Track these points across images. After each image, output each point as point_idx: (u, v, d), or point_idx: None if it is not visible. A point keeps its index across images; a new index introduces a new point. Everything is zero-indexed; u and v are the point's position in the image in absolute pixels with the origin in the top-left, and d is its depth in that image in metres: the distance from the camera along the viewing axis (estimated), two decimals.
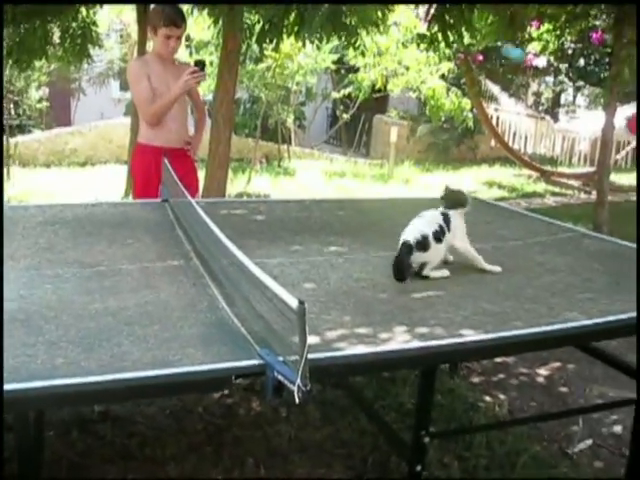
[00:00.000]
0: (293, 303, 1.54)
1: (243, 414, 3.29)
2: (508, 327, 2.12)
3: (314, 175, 11.33)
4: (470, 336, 2.03)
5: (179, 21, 3.96)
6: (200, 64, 3.97)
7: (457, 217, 2.69)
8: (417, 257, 2.53)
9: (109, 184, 9.44)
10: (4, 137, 11.97)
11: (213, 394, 3.35)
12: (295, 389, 1.54)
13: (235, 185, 9.53)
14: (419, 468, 2.34)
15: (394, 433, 2.76)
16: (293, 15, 5.29)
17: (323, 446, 3.05)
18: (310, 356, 1.56)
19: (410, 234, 2.55)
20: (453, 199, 2.74)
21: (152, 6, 4.89)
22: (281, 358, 1.67)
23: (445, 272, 2.62)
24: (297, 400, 1.55)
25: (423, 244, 2.53)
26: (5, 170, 11.30)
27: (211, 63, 10.82)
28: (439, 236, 2.58)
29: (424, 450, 2.33)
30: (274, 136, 13.11)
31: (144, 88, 3.99)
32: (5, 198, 9.27)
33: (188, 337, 1.89)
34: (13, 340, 1.82)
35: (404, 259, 2.50)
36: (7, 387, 1.54)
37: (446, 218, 2.64)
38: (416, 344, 1.95)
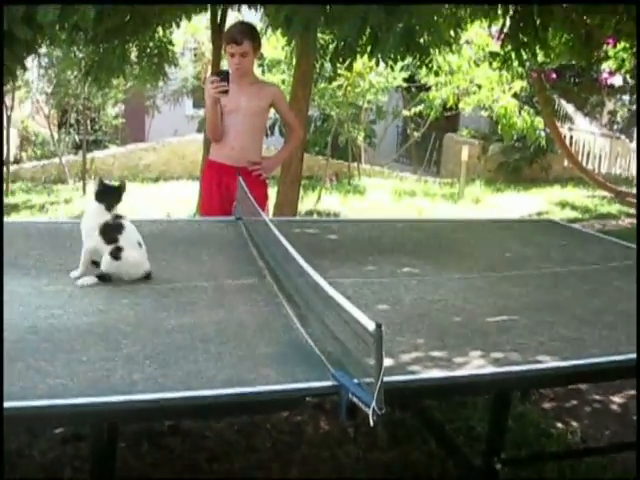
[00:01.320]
0: (370, 326, 1.54)
1: (311, 433, 3.28)
2: (585, 354, 2.07)
3: (384, 194, 11.31)
4: (546, 362, 1.99)
5: (239, 38, 3.98)
6: (222, 74, 3.95)
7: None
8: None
9: (181, 200, 9.61)
10: (81, 152, 12.33)
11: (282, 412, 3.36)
12: (370, 412, 1.54)
13: (305, 203, 9.58)
14: None
15: (464, 457, 2.72)
16: (367, 34, 5.30)
17: (391, 468, 3.01)
18: (385, 379, 1.55)
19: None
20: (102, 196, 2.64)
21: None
22: (356, 380, 1.66)
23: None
24: (372, 423, 1.54)
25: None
26: (81, 184, 11.63)
27: (283, 82, 10.95)
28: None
29: (496, 476, 2.29)
30: (344, 154, 13.15)
31: (209, 105, 4.07)
32: (79, 211, 9.53)
33: (263, 356, 1.90)
34: (92, 353, 1.87)
35: None
36: (88, 400, 1.58)
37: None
38: (491, 369, 1.92)
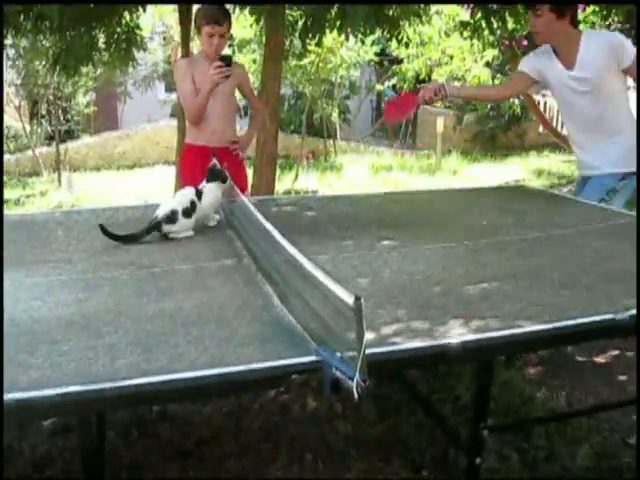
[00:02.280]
0: (349, 299, 1.54)
1: (299, 411, 3.30)
2: (565, 317, 2.08)
3: (361, 169, 11.31)
4: (527, 327, 2.00)
5: (221, 19, 3.97)
6: (225, 59, 3.93)
7: (212, 189, 3.11)
8: (166, 228, 2.90)
9: (158, 185, 9.55)
10: (54, 144, 12.20)
11: (268, 392, 3.37)
12: (354, 385, 1.54)
13: (283, 182, 9.56)
14: (478, 461, 2.32)
15: (452, 426, 2.74)
16: (335, 9, 5.28)
17: (380, 441, 3.04)
18: (367, 351, 1.55)
19: (161, 211, 2.90)
20: (214, 175, 3.16)
21: (196, 6, 4.93)
22: (338, 354, 1.66)
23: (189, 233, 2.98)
24: (356, 396, 1.54)
25: (172, 218, 2.89)
26: (56, 176, 11.52)
27: (254, 61, 10.89)
28: (189, 212, 2.95)
29: (483, 443, 2.31)
30: (319, 131, 13.11)
31: (187, 88, 4.04)
32: (55, 203, 9.46)
33: (244, 336, 1.90)
34: (74, 343, 1.85)
35: (141, 234, 2.89)
36: (71, 389, 1.57)
37: (199, 193, 3.04)
38: (473, 337, 1.93)
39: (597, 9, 8.45)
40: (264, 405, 3.31)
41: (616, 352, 3.95)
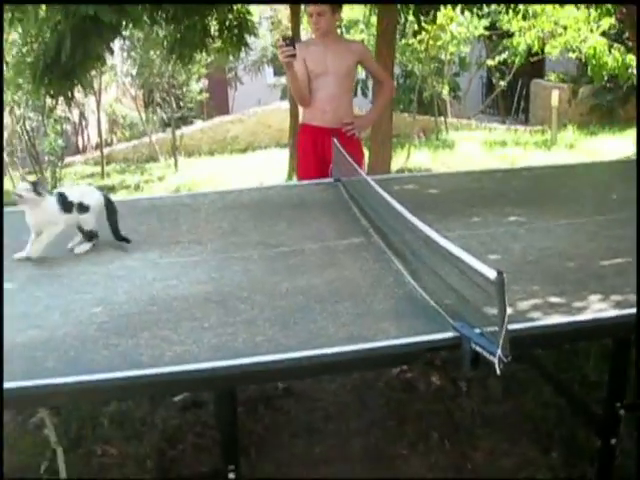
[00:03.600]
0: (491, 274, 1.53)
1: (423, 389, 3.29)
2: None
3: (474, 146, 11.11)
4: None
5: None
6: (287, 39, 3.91)
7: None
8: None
9: (272, 168, 9.67)
10: (169, 130, 12.54)
11: (391, 370, 3.37)
12: (496, 360, 1.53)
13: (395, 161, 9.51)
14: (614, 441, 2.26)
15: (584, 405, 2.67)
16: None
17: (506, 420, 3.00)
18: (509, 327, 1.54)
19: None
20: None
21: None
22: (477, 330, 1.65)
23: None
24: (498, 371, 1.53)
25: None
26: (172, 161, 11.86)
27: (362, 41, 10.86)
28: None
29: (618, 422, 2.25)
30: (429, 109, 12.97)
31: (297, 71, 4.07)
32: (173, 187, 9.74)
33: (379, 312, 1.91)
34: (213, 320, 1.91)
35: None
36: (212, 364, 1.63)
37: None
38: (614, 312, 1.88)
39: None
40: (388, 382, 3.31)
41: None
